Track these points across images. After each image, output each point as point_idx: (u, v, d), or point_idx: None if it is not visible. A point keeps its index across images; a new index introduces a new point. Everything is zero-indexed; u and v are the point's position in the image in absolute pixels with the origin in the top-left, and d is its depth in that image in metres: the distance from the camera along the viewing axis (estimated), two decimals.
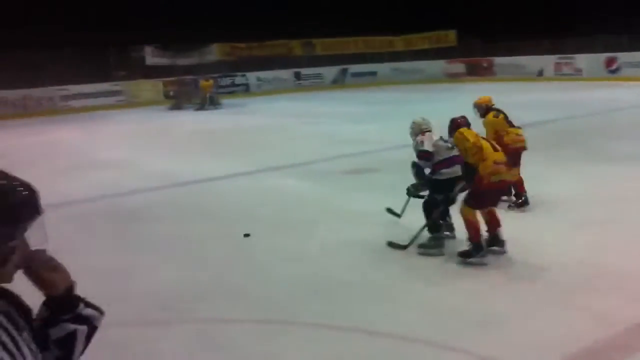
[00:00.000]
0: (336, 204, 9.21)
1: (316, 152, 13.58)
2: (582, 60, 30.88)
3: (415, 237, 6.95)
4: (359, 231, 7.72)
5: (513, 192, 8.38)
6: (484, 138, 6.81)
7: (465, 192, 6.65)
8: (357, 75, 36.79)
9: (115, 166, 12.90)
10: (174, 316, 5.49)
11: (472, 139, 6.45)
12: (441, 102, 23.67)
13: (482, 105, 8.86)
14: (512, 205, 8.32)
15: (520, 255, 6.51)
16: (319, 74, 36.02)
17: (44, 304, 1.70)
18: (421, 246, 6.86)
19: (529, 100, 22.41)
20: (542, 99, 22.55)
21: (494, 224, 6.60)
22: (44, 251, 1.67)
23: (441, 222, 7.01)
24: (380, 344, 4.81)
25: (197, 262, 6.96)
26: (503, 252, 6.55)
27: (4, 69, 26.93)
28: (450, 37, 37.21)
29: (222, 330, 5.19)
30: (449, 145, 6.88)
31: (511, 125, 8.53)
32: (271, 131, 17.97)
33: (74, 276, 1.73)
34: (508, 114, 8.70)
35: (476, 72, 35.24)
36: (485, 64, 35.07)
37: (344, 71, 36.67)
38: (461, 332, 4.86)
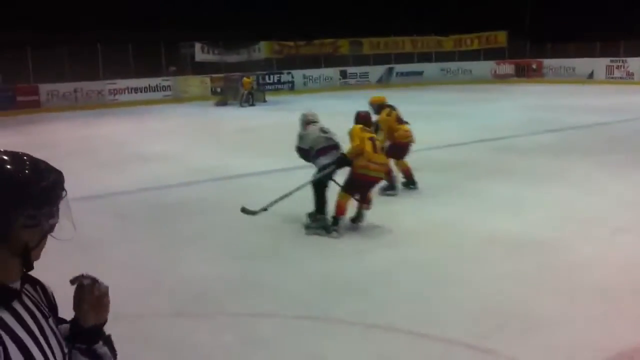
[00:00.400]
0: (375, 201, 9.12)
1: None
2: (635, 63, 30.13)
3: (270, 205, 7.78)
4: (395, 230, 7.67)
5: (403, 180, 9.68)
6: (372, 139, 7.76)
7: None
8: (403, 75, 36.52)
9: (159, 160, 13.05)
10: (207, 309, 5.53)
11: (358, 139, 7.62)
12: (488, 103, 23.40)
13: (376, 104, 9.87)
14: (408, 187, 9.62)
15: (563, 260, 6.38)
16: (366, 72, 35.89)
17: (70, 322, 1.72)
18: (307, 227, 7.73)
19: (579, 103, 21.98)
20: (592, 103, 22.06)
21: (362, 202, 7.73)
22: (105, 286, 1.71)
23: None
24: (415, 343, 4.76)
25: (232, 256, 6.99)
26: (357, 227, 7.69)
27: (58, 62, 27.62)
28: (500, 38, 36.64)
29: (255, 324, 5.20)
30: (328, 136, 7.92)
31: (401, 122, 9.55)
32: None
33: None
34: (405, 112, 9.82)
35: (525, 73, 34.71)
36: (534, 66, 34.50)
37: (390, 70, 36.46)
38: (499, 335, 4.78)
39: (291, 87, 33.09)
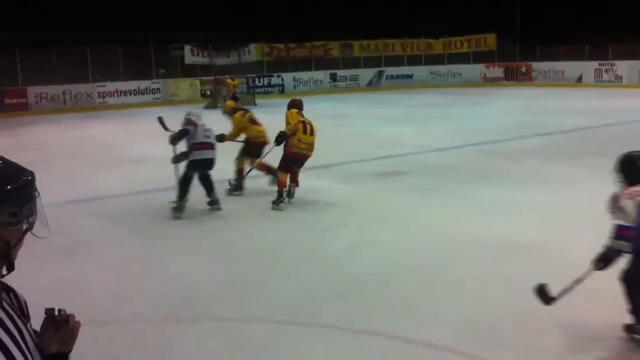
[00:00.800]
0: (365, 205, 9.16)
1: (348, 154, 13.53)
2: (623, 66, 30.29)
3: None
4: (386, 233, 7.66)
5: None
6: (304, 122, 9.04)
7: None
8: (393, 77, 36.58)
9: (148, 163, 12.95)
10: (195, 313, 5.50)
11: (296, 120, 8.98)
12: (477, 106, 23.47)
13: (229, 108, 10.76)
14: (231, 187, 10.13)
15: (552, 264, 6.39)
16: (356, 75, 35.91)
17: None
18: (173, 209, 8.68)
19: (568, 106, 22.08)
20: (581, 106, 22.15)
21: (293, 181, 9.15)
22: (76, 322, 1.71)
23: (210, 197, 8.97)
24: (402, 348, 4.74)
25: (220, 260, 6.97)
26: (289, 202, 9.09)
27: (46, 64, 27.49)
28: (489, 40, 36.75)
29: (242, 328, 5.17)
30: (208, 134, 8.94)
31: (255, 123, 10.18)
32: None
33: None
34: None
35: (515, 76, 34.84)
36: (524, 69, 34.63)
37: (380, 73, 36.51)
38: (487, 340, 4.77)
39: (281, 90, 33.00)
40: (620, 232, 4.50)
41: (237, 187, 10.05)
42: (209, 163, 8.87)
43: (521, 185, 9.93)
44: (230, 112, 10.51)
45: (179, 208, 8.71)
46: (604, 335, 4.81)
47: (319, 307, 5.52)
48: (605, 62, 31.06)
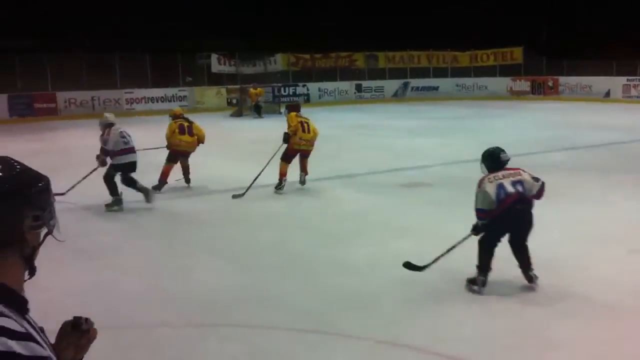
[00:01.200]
0: (387, 216, 9.14)
1: (371, 164, 13.51)
2: None
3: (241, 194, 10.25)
4: (408, 245, 7.63)
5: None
6: (301, 122, 10.71)
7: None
8: (418, 89, 36.53)
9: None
10: (216, 319, 5.52)
11: (295, 122, 10.64)
12: (503, 119, 23.33)
13: (172, 115, 11.69)
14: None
15: (576, 280, 6.31)
16: (381, 87, 35.92)
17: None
18: (106, 205, 9.48)
19: (595, 121, 21.84)
20: (609, 121, 21.88)
21: (303, 170, 10.86)
22: (94, 331, 1.73)
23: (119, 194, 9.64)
24: None
25: (243, 267, 6.99)
26: (302, 187, 10.88)
27: (75, 70, 27.88)
28: (516, 54, 36.51)
29: (262, 336, 5.19)
30: (126, 140, 9.67)
31: (182, 133, 11.18)
32: (327, 142, 17.84)
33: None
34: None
35: (541, 90, 34.57)
36: (550, 83, 34.35)
37: (406, 85, 36.48)
38: (508, 355, 4.73)
39: (306, 100, 33.07)
40: (479, 215, 6.01)
41: (157, 186, 10.70)
42: (131, 166, 9.69)
43: (546, 200, 9.78)
44: (173, 117, 11.48)
45: (116, 202, 9.51)
46: (628, 354, 4.74)
47: (340, 316, 5.52)
48: (634, 77, 30.72)
